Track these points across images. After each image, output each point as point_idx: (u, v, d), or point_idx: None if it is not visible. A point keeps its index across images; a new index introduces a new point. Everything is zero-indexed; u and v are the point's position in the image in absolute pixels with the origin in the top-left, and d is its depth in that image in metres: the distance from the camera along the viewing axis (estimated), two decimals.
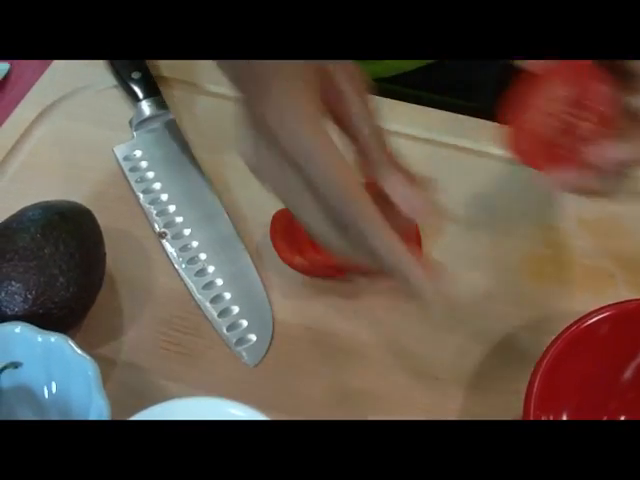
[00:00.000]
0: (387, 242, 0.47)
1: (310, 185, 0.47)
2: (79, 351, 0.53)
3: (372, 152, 0.50)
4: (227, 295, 0.63)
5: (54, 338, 0.54)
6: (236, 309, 0.63)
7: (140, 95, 0.73)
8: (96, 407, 0.52)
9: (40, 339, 0.54)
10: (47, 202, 0.60)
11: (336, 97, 0.49)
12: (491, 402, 0.59)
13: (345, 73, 0.50)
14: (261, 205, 0.67)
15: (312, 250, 0.63)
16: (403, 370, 0.61)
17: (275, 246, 0.65)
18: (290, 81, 0.46)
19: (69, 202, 0.61)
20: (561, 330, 0.53)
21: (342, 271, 0.64)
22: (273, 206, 0.66)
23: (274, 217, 0.66)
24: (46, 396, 0.55)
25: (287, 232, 0.65)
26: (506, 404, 0.58)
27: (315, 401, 0.59)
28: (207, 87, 0.77)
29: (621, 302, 0.55)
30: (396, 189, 0.50)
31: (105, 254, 0.61)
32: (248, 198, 0.69)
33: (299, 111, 0.46)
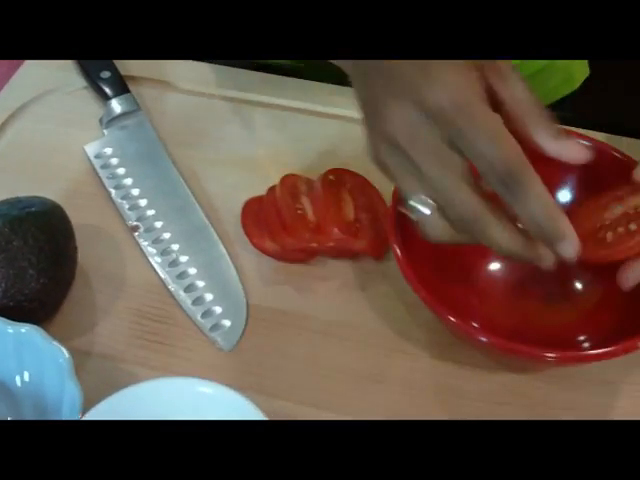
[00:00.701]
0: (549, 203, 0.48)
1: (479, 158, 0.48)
2: (50, 340, 0.54)
3: (527, 115, 0.51)
4: (201, 283, 0.64)
5: (25, 329, 0.54)
6: (210, 296, 0.63)
7: (110, 94, 0.74)
8: (69, 395, 0.52)
9: (11, 330, 0.54)
10: (16, 198, 0.61)
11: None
12: (460, 373, 0.60)
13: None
14: (232, 195, 0.69)
15: (283, 234, 0.64)
16: (377, 347, 0.61)
17: (247, 232, 0.65)
18: (459, 73, 0.48)
19: (39, 198, 0.62)
20: None
21: (313, 254, 0.65)
22: (243, 196, 0.67)
23: (245, 205, 0.67)
24: (19, 386, 0.56)
25: (258, 219, 0.66)
26: (475, 374, 0.60)
27: (292, 381, 0.59)
28: (176, 84, 0.78)
29: None
30: (556, 141, 0.51)
31: (76, 248, 0.62)
32: (219, 189, 0.70)
33: (472, 95, 0.48)
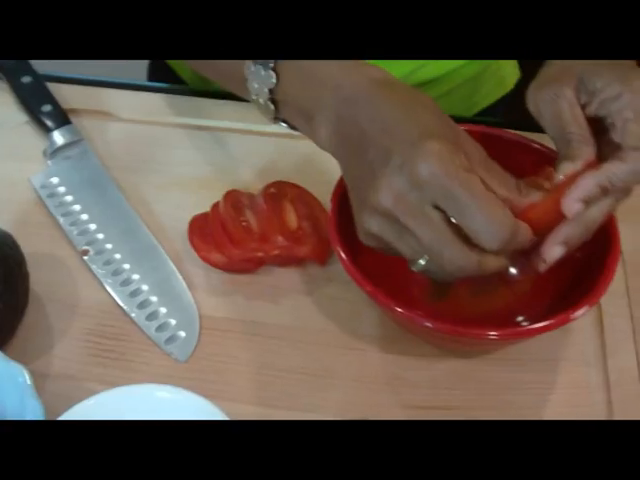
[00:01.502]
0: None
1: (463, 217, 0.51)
2: (8, 361, 0.55)
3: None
4: (153, 299, 0.66)
5: None
6: (163, 310, 0.65)
7: (52, 126, 0.76)
8: (31, 412, 0.53)
9: None
10: None
11: None
12: (409, 363, 0.63)
13: None
14: (178, 215, 0.71)
15: (230, 246, 0.66)
16: (327, 346, 0.64)
17: (194, 246, 0.67)
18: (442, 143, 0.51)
19: None
20: None
21: (260, 264, 0.67)
22: (189, 214, 0.69)
23: (191, 222, 0.69)
24: None
25: (204, 234, 0.68)
26: (424, 364, 0.63)
27: (248, 385, 0.61)
28: (116, 114, 0.80)
29: None
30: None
31: (28, 273, 0.63)
32: (165, 210, 0.72)
33: (449, 161, 0.50)
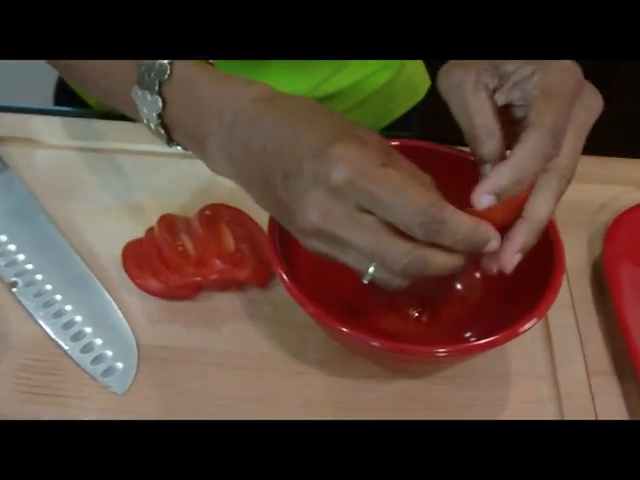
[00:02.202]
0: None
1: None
2: None
3: None
4: (88, 330, 0.63)
5: None
6: (99, 342, 0.62)
7: None
8: None
9: None
10: None
11: None
12: (356, 385, 0.61)
13: None
14: (111, 242, 0.68)
15: (166, 271, 0.64)
16: (272, 371, 0.62)
17: (128, 274, 0.65)
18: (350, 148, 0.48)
19: None
20: None
21: (198, 289, 0.65)
22: (123, 241, 0.67)
23: (125, 248, 0.67)
24: None
25: (140, 260, 0.66)
26: (372, 385, 0.61)
27: (190, 416, 0.59)
28: (43, 140, 0.77)
29: None
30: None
31: None
32: (98, 237, 0.70)
33: (365, 161, 0.48)
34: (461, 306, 0.63)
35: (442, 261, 0.49)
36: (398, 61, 0.91)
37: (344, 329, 0.54)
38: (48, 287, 0.65)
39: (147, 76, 0.55)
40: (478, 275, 0.64)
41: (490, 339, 0.53)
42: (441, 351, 0.53)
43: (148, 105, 0.56)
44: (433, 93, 0.93)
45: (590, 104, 0.54)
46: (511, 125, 0.54)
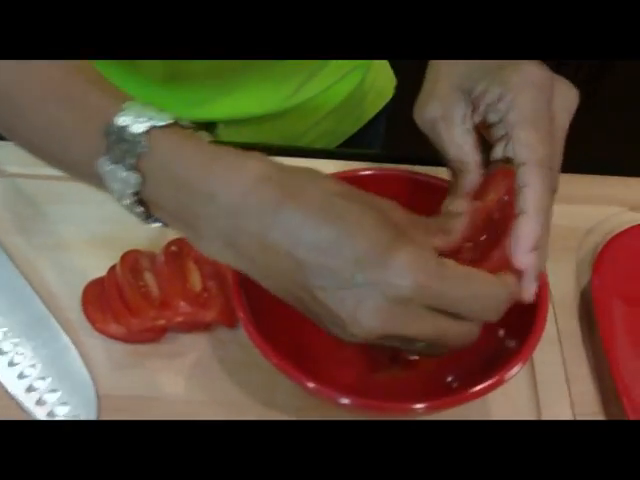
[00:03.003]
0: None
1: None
2: None
3: None
4: (44, 381, 0.59)
5: None
6: (56, 395, 0.58)
7: None
8: None
9: None
10: None
11: None
12: None
13: None
14: (72, 280, 0.65)
15: (127, 315, 0.60)
16: (243, 418, 0.58)
17: (89, 317, 0.62)
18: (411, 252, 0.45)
19: None
20: None
21: (163, 332, 0.62)
22: (85, 279, 0.63)
23: (85, 289, 0.63)
24: None
25: (101, 302, 0.62)
26: None
27: None
28: (1, 168, 0.73)
29: None
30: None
31: None
32: (58, 275, 0.66)
33: (433, 267, 0.45)
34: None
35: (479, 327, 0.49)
36: (366, 61, 0.90)
37: (310, 384, 0.50)
38: (2, 331, 0.62)
39: (118, 148, 0.47)
40: None
41: (473, 390, 0.51)
42: (420, 407, 0.50)
43: (121, 182, 0.48)
44: (398, 95, 0.95)
45: (565, 100, 0.53)
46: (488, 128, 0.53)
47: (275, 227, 0.45)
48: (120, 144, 0.47)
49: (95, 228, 0.69)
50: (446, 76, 0.54)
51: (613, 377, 0.59)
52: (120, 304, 0.61)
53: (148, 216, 0.50)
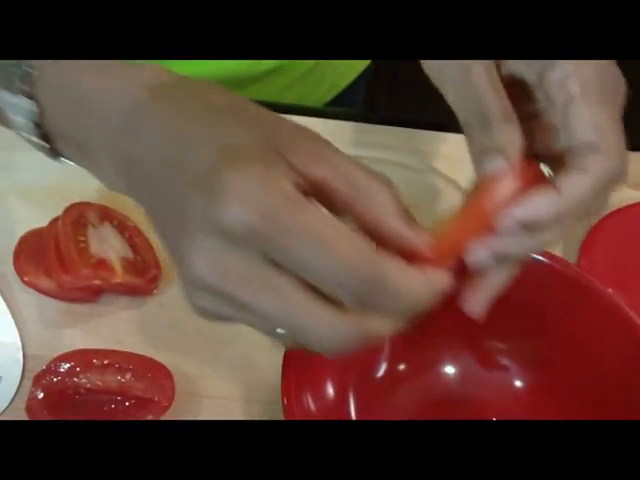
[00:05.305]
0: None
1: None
2: None
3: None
4: None
5: None
6: None
7: None
8: None
9: None
10: None
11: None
12: None
13: None
14: (10, 229, 0.61)
15: (60, 271, 0.56)
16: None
17: (18, 269, 0.57)
18: (251, 177, 0.34)
19: None
20: None
21: (97, 292, 0.57)
22: (24, 230, 0.59)
23: (21, 239, 0.59)
24: None
25: (36, 254, 0.58)
26: None
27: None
28: None
29: None
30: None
31: None
32: None
33: (279, 197, 0.34)
34: None
35: (384, 327, 0.37)
36: None
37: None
38: None
39: (12, 75, 0.42)
40: None
41: None
42: None
43: (19, 111, 0.43)
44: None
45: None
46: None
47: (140, 137, 0.38)
48: (6, 66, 0.43)
49: (43, 177, 0.65)
50: None
51: None
52: (54, 258, 0.56)
53: (53, 152, 0.44)
